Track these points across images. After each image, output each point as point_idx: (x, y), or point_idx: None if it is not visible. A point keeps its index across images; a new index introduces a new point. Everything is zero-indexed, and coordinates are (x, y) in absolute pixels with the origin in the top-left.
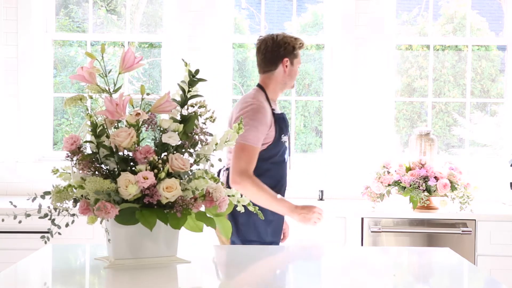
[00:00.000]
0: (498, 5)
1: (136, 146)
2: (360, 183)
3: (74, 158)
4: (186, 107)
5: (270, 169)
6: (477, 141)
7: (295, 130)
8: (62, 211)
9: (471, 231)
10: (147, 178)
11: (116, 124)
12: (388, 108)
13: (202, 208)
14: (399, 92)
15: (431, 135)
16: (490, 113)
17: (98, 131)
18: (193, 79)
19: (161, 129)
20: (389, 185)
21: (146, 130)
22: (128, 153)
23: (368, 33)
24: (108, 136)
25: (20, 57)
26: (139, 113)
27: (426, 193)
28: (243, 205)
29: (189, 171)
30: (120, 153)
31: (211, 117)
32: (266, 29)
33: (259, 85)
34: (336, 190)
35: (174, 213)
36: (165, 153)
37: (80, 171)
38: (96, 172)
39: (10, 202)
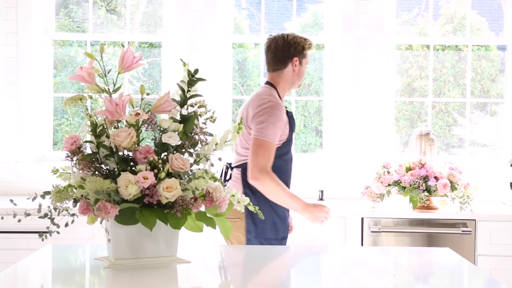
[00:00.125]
0: (498, 5)
1: (136, 146)
2: (360, 183)
3: (74, 158)
4: (185, 107)
5: (282, 166)
6: (477, 141)
7: (295, 130)
8: (62, 211)
9: (471, 231)
10: (147, 178)
11: (116, 124)
12: (388, 108)
13: (202, 208)
14: (399, 92)
15: (431, 135)
16: (490, 113)
17: (98, 131)
18: (192, 78)
19: (161, 129)
20: (389, 185)
21: (146, 130)
22: (128, 153)
23: (368, 33)
24: (108, 136)
25: (20, 57)
26: (139, 113)
27: (426, 193)
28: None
29: (189, 171)
30: (120, 153)
31: (211, 117)
32: (266, 29)
33: (269, 83)
34: (336, 190)
35: (174, 213)
36: (165, 153)
37: (80, 171)
38: (96, 172)
39: (11, 200)
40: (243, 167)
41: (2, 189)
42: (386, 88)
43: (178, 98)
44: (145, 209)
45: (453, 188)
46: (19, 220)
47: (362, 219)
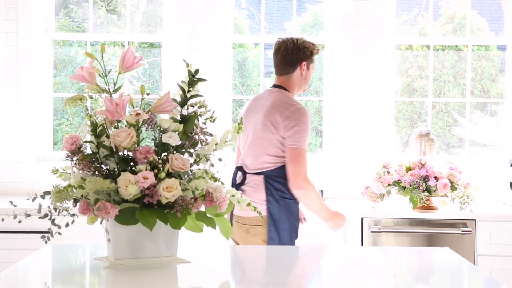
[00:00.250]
0: (498, 5)
1: (136, 146)
2: (360, 183)
3: (74, 158)
4: (186, 107)
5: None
6: (477, 141)
7: None
8: (62, 211)
9: (471, 231)
10: (147, 178)
11: (116, 124)
12: (388, 108)
13: (202, 208)
14: (399, 92)
15: (431, 135)
16: (490, 113)
17: (98, 131)
18: (193, 79)
19: (161, 129)
20: (389, 185)
21: (146, 130)
22: (128, 153)
23: (368, 33)
24: (108, 136)
25: (20, 57)
26: (139, 113)
27: (426, 193)
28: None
29: (189, 171)
30: (120, 153)
31: (211, 117)
32: (266, 29)
33: (280, 87)
34: (336, 190)
35: (174, 213)
36: (165, 153)
37: (80, 171)
38: (96, 172)
39: (10, 202)
40: (266, 174)
41: (2, 189)
42: (386, 88)
43: (178, 98)
44: (145, 209)
45: (453, 188)
46: (20, 221)
47: (362, 219)
